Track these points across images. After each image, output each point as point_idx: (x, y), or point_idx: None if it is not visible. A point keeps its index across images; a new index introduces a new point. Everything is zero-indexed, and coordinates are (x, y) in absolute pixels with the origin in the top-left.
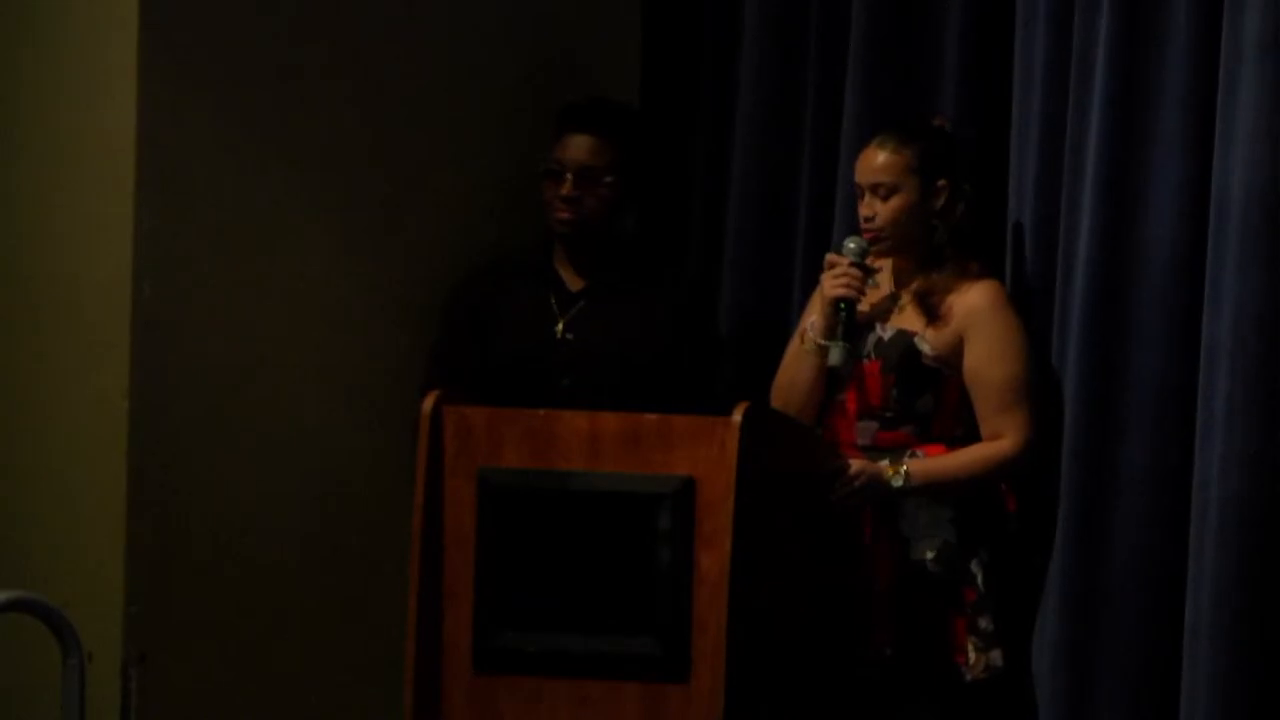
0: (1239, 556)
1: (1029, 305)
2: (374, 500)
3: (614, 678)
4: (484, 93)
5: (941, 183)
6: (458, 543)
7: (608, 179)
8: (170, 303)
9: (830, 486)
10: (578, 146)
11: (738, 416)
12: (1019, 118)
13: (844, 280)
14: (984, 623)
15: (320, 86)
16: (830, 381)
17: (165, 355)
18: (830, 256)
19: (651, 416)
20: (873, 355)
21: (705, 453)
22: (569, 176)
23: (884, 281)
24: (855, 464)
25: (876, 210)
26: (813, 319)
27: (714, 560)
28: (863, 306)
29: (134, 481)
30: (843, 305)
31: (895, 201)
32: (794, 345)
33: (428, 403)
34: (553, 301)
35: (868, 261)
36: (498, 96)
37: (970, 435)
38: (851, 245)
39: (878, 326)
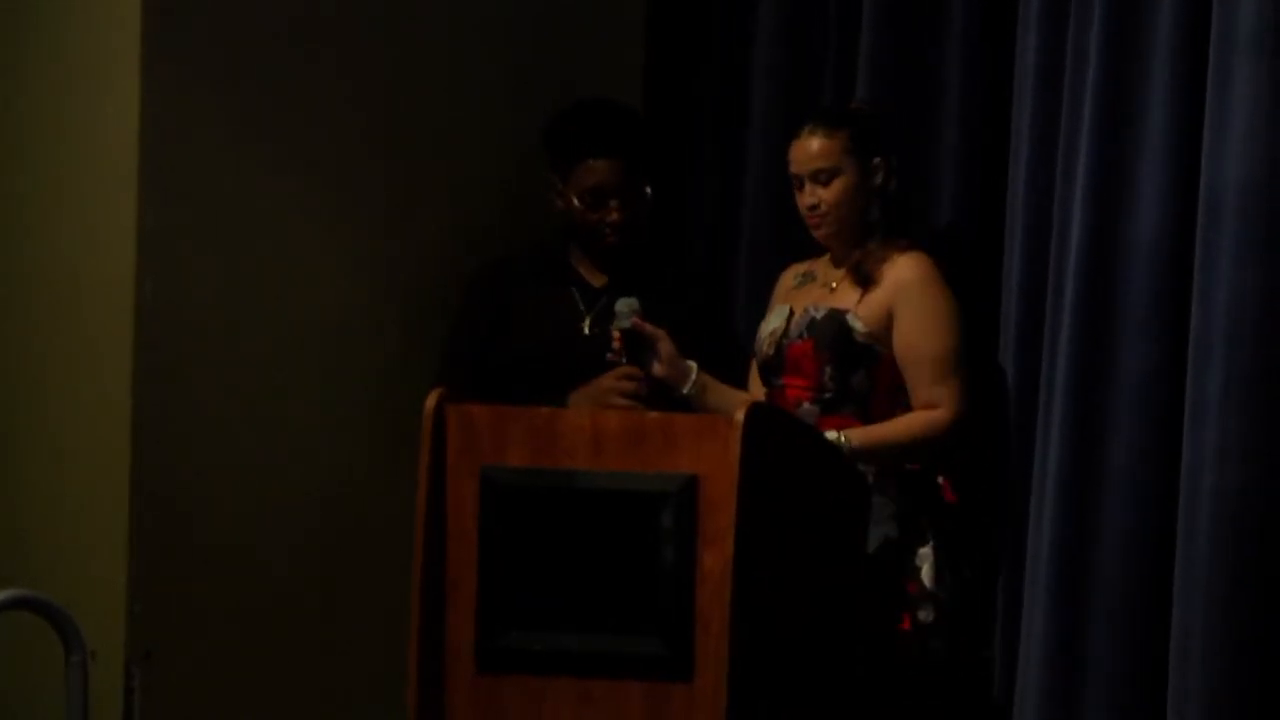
0: (1228, 550)
1: (1020, 297)
2: (377, 498)
3: (617, 677)
4: (485, 92)
5: (877, 161)
6: (461, 541)
7: (645, 189)
8: (173, 302)
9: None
10: (613, 171)
11: (740, 415)
12: (1016, 115)
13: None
14: (924, 614)
15: (322, 86)
16: (764, 371)
17: (168, 353)
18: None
19: (654, 415)
20: (805, 335)
21: (709, 451)
22: (613, 203)
23: (821, 268)
24: None
25: (820, 196)
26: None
27: (717, 559)
28: (801, 301)
29: (137, 479)
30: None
31: (837, 185)
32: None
33: (431, 401)
34: (577, 298)
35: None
36: (499, 96)
37: None
38: (623, 308)
39: (810, 308)
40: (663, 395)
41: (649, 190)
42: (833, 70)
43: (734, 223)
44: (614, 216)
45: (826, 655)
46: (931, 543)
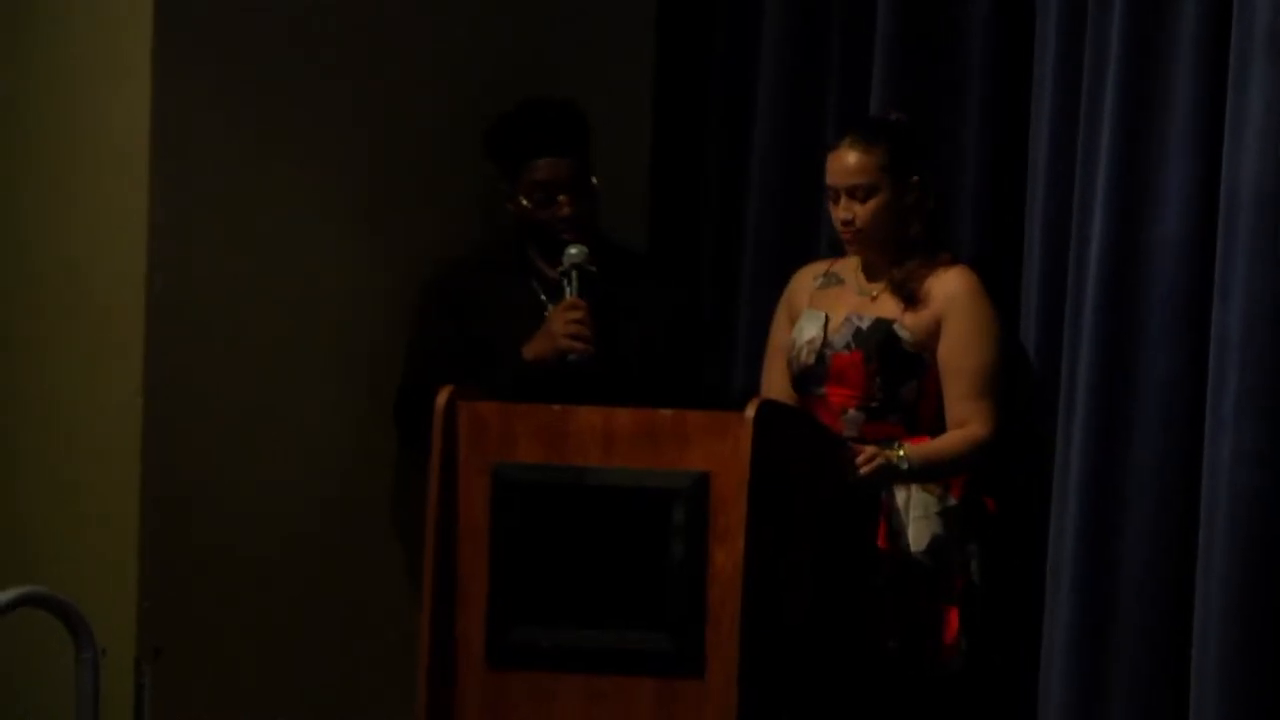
0: (1248, 549)
1: (1042, 300)
2: (387, 496)
3: (627, 673)
4: (495, 92)
5: (914, 178)
6: (471, 538)
7: (593, 182)
8: (183, 296)
9: (843, 472)
10: (560, 167)
11: (751, 412)
12: (1035, 116)
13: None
14: (969, 610)
15: (329, 85)
16: (803, 379)
17: (178, 349)
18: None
19: (666, 412)
20: (852, 346)
21: (719, 448)
22: (563, 198)
23: (850, 276)
24: (867, 448)
25: (855, 212)
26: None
27: (728, 556)
28: (836, 306)
29: (148, 476)
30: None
31: (873, 203)
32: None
33: (441, 398)
34: (538, 289)
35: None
36: (510, 95)
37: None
38: (573, 250)
39: (852, 316)
40: (606, 334)
41: (596, 182)
42: (840, 68)
43: (740, 218)
44: (565, 211)
45: (837, 652)
46: (977, 541)
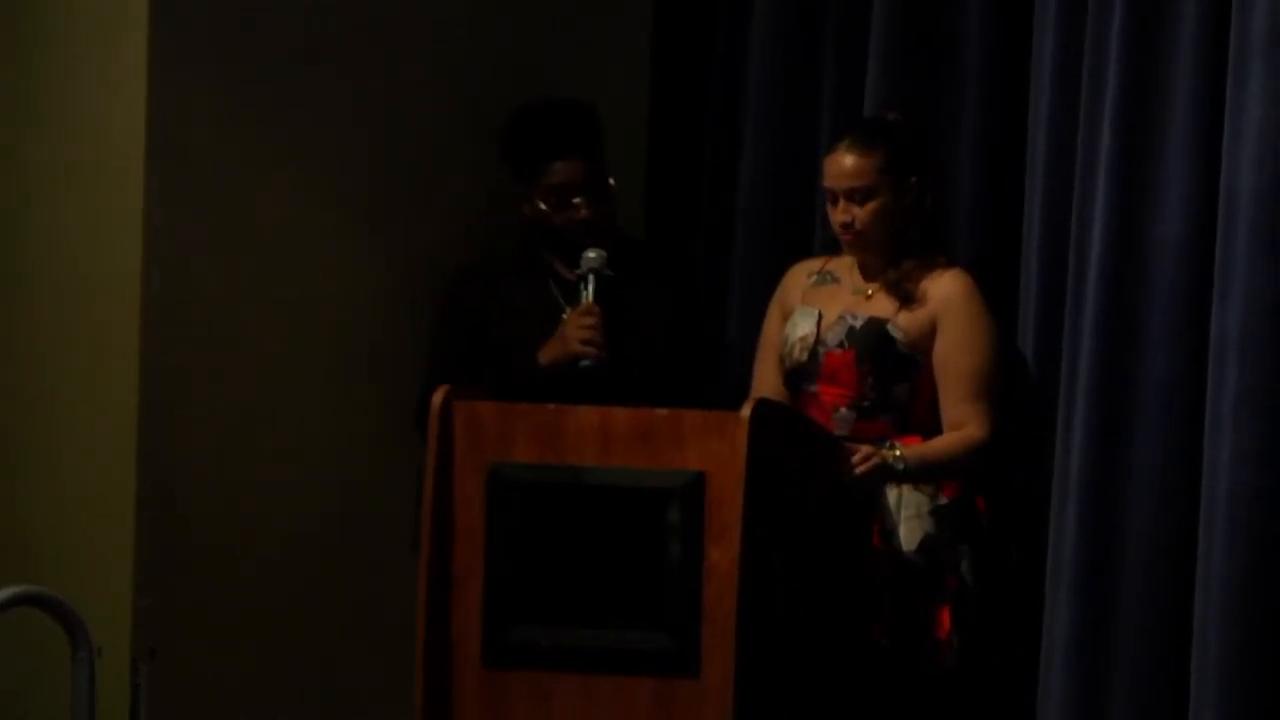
0: (1247, 549)
1: (1041, 300)
2: (383, 495)
3: (624, 673)
4: (495, 91)
5: (912, 179)
6: (468, 537)
7: (610, 183)
8: (179, 298)
9: (838, 471)
10: (576, 170)
11: (746, 412)
12: (1033, 116)
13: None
14: (961, 610)
15: (327, 85)
16: (795, 377)
17: (174, 349)
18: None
19: (662, 411)
20: (845, 344)
21: (716, 448)
22: (580, 200)
23: (845, 275)
24: (863, 448)
25: (854, 215)
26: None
27: (724, 555)
28: (830, 304)
29: (143, 475)
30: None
31: (872, 205)
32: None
33: (437, 397)
34: (555, 292)
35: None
36: (507, 95)
37: None
38: (591, 254)
39: (846, 315)
40: (620, 339)
41: (613, 182)
42: (835, 67)
43: (734, 218)
44: (583, 213)
45: (833, 651)
46: (969, 540)
